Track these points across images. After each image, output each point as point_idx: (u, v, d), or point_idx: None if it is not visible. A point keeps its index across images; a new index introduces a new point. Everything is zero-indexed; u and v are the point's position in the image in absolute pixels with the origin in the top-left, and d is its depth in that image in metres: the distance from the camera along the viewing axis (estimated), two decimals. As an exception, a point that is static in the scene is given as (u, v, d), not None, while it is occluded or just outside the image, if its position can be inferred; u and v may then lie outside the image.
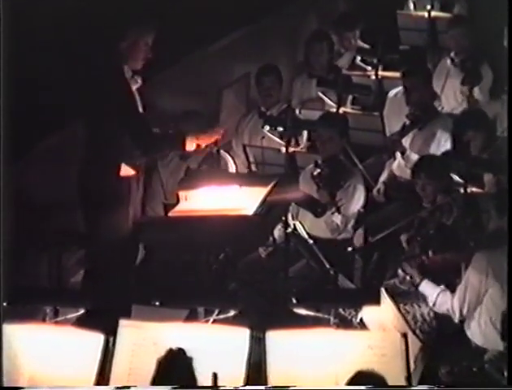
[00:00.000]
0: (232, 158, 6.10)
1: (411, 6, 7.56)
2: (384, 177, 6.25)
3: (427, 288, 4.82)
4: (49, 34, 5.51)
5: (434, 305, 4.77)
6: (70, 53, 5.38)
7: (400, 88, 6.57)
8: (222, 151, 6.11)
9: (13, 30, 4.16)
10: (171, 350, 3.42)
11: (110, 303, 4.33)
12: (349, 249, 5.39)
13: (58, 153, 5.45)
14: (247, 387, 3.62)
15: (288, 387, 3.60)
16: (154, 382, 3.36)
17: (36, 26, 5.43)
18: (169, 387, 3.36)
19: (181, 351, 3.42)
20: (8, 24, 4.12)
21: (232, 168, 5.89)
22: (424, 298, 4.81)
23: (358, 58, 6.89)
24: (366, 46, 7.07)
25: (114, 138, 4.83)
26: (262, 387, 3.62)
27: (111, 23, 4.98)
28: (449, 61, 6.84)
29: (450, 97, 6.77)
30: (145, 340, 3.69)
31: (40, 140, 5.34)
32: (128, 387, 3.56)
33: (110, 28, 4.96)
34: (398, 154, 6.29)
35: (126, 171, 4.95)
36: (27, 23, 5.22)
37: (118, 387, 3.57)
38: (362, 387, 3.33)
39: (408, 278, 4.89)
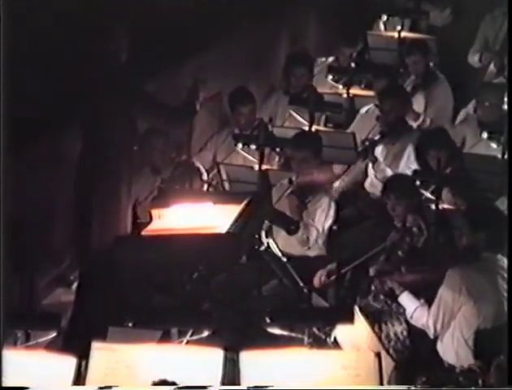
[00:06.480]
0: (205, 169, 6.14)
1: (381, 26, 7.64)
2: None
3: (407, 301, 4.83)
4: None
5: (411, 318, 4.79)
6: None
7: (371, 105, 6.63)
8: (195, 161, 6.17)
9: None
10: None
11: (84, 325, 4.31)
12: None
13: (34, 167, 5.43)
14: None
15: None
16: None
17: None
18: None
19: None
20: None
21: (204, 177, 5.93)
22: (398, 316, 4.82)
23: (330, 76, 6.94)
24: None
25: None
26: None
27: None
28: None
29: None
30: (117, 362, 3.66)
31: (19, 153, 5.30)
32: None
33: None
34: (370, 171, 6.35)
35: None
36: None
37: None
38: None
39: (381, 296, 4.91)
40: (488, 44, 7.27)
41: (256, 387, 3.60)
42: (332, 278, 5.33)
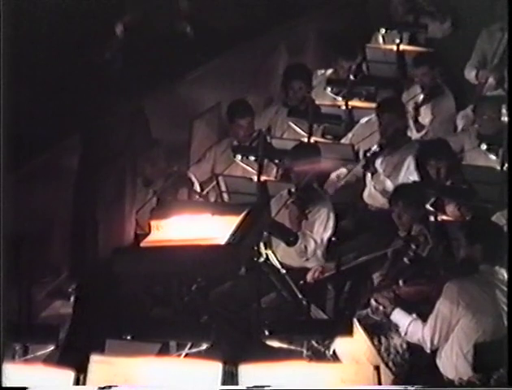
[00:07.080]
0: (203, 180, 6.15)
1: (380, 39, 7.66)
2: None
3: (399, 317, 4.82)
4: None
5: (405, 334, 4.77)
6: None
7: (371, 116, 6.64)
8: (188, 172, 6.17)
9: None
10: None
11: (82, 338, 4.30)
12: None
13: (33, 180, 5.42)
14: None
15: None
16: None
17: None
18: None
19: None
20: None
21: (196, 188, 5.94)
22: (397, 329, 4.81)
23: (328, 88, 6.96)
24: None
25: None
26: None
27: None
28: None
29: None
30: (116, 376, 3.65)
31: (18, 166, 5.29)
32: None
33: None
34: (369, 182, 6.35)
35: None
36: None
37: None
38: None
39: (381, 308, 4.90)
40: (486, 59, 7.29)
41: (255, 386, 3.60)
42: (326, 274, 5.32)
